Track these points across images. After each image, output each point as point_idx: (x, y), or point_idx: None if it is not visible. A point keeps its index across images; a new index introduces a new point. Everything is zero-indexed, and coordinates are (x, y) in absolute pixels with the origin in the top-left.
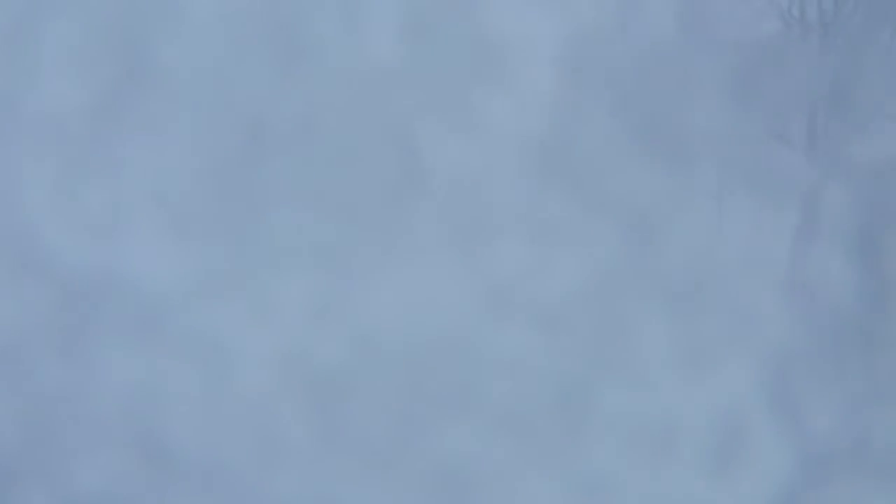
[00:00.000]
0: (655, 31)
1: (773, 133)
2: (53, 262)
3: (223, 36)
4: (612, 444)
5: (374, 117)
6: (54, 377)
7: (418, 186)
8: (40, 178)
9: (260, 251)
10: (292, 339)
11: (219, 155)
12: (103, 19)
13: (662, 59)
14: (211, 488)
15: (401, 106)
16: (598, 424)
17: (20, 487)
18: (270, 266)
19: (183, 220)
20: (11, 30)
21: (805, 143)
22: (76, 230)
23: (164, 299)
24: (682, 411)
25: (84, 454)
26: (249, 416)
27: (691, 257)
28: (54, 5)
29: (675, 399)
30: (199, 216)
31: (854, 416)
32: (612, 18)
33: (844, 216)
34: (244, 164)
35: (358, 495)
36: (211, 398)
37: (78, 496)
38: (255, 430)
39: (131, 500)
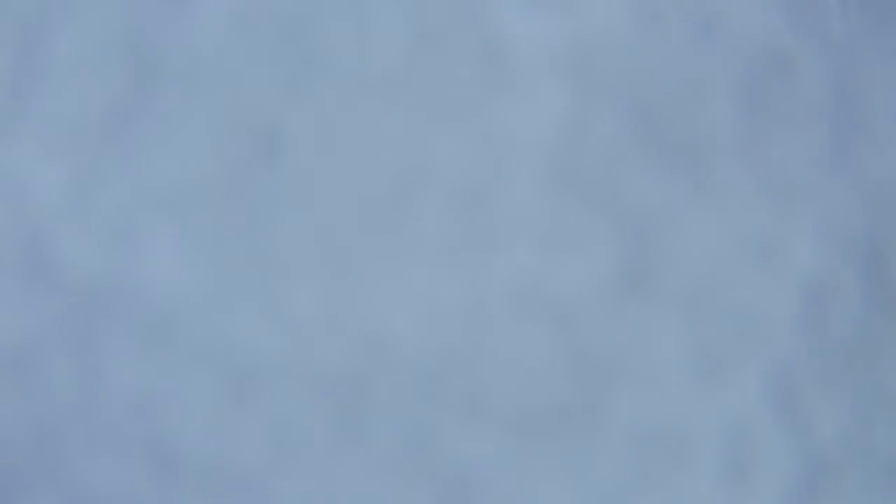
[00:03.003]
0: (667, 37)
1: (785, 142)
2: (63, 267)
3: (234, 41)
4: (624, 451)
5: (384, 123)
6: (64, 382)
7: (429, 192)
8: (50, 182)
9: (273, 257)
10: (305, 345)
11: (231, 160)
12: (115, 23)
13: (674, 66)
14: (222, 494)
15: (410, 112)
16: (610, 431)
17: (29, 493)
18: (283, 272)
19: (195, 225)
20: (21, 33)
21: (815, 150)
22: (87, 235)
23: (176, 305)
24: (693, 418)
25: (94, 460)
26: (261, 423)
27: (702, 264)
28: (65, 9)
29: (687, 405)
30: (212, 222)
31: (863, 423)
32: (623, 25)
33: (853, 223)
34: (257, 170)
35: (370, 501)
36: (222, 404)
37: (87, 502)
38: (267, 436)
39: None
